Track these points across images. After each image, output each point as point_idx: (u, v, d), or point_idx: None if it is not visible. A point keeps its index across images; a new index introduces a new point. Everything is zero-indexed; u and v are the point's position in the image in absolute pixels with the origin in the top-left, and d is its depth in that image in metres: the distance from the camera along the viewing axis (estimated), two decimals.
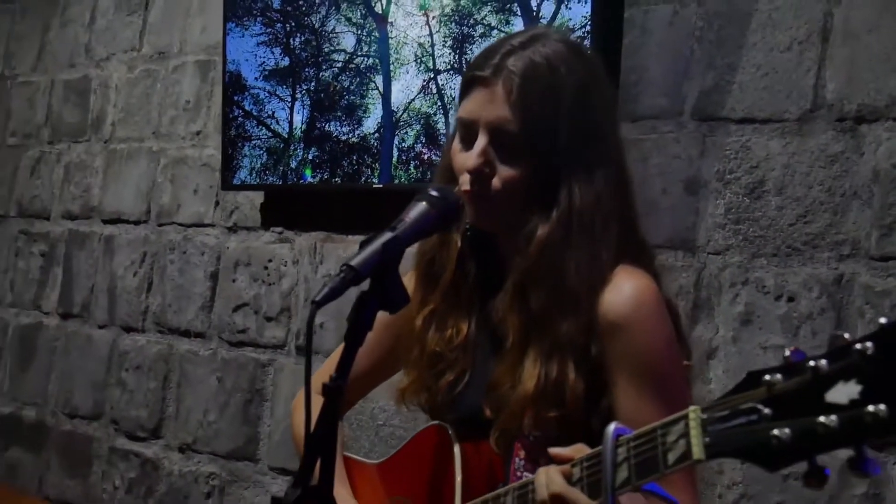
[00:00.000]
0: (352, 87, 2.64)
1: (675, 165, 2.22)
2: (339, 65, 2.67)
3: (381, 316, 1.48)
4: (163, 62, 3.46)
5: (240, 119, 2.94)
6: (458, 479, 1.22)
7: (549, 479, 1.01)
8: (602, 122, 1.29)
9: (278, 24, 2.82)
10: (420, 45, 2.47)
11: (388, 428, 2.66)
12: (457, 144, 1.29)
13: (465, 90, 1.29)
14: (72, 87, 3.83)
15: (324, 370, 1.55)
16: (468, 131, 1.27)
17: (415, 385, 1.36)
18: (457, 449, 1.26)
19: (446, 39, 2.43)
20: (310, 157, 2.76)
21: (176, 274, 3.32)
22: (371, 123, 2.60)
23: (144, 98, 3.51)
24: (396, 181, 2.53)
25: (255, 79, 2.89)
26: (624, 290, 1.22)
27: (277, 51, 2.83)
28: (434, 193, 1.21)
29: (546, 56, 1.25)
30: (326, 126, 2.70)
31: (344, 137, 2.66)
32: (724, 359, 2.11)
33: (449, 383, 1.32)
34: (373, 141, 2.59)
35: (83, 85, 3.77)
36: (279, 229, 2.99)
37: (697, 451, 0.89)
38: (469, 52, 2.37)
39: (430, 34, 2.45)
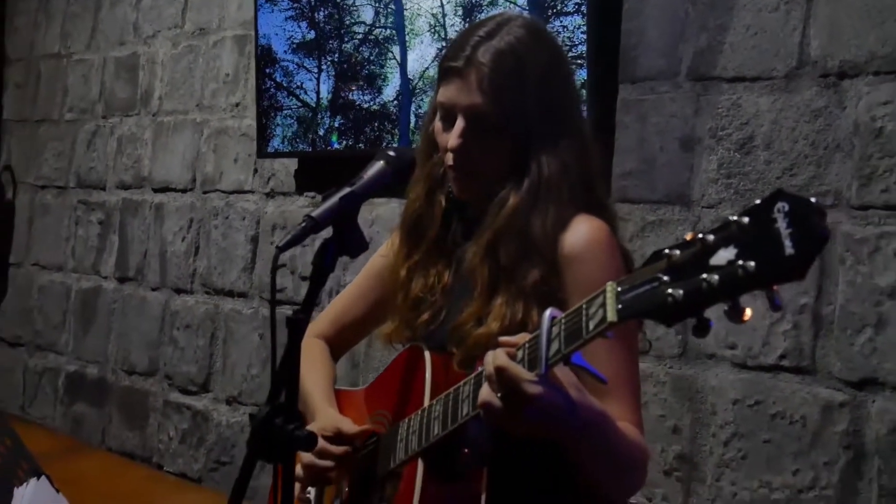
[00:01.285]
0: (371, 58, 2.79)
1: (672, 124, 2.33)
2: (360, 36, 2.83)
3: (370, 269, 1.66)
4: (203, 38, 3.65)
5: (272, 90, 3.12)
6: (428, 377, 1.38)
7: (494, 356, 1.16)
8: (564, 98, 1.43)
9: None
10: (433, 15, 2.61)
11: None
12: (438, 124, 1.45)
13: (442, 78, 1.44)
14: (122, 64, 4.05)
15: (319, 319, 1.73)
16: (447, 113, 1.43)
17: (399, 327, 1.52)
18: (427, 356, 1.42)
19: (457, 9, 2.56)
20: (336, 125, 2.92)
21: (220, 238, 3.53)
22: (390, 92, 2.75)
23: (188, 72, 3.71)
24: (414, 145, 2.68)
25: (285, 52, 3.06)
26: (579, 229, 1.38)
27: (304, 24, 2.99)
28: (391, 154, 1.38)
29: (510, 44, 1.39)
30: (350, 95, 2.87)
31: (366, 105, 2.82)
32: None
33: (426, 321, 1.48)
34: (392, 108, 2.74)
35: (132, 61, 3.99)
36: (312, 194, 3.17)
37: (611, 315, 1.05)
38: (477, 19, 2.50)
39: (442, 5, 2.59)
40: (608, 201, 1.50)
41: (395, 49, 2.73)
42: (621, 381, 1.34)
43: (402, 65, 2.69)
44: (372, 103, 2.81)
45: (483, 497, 1.31)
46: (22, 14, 4.65)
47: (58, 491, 1.55)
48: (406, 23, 2.68)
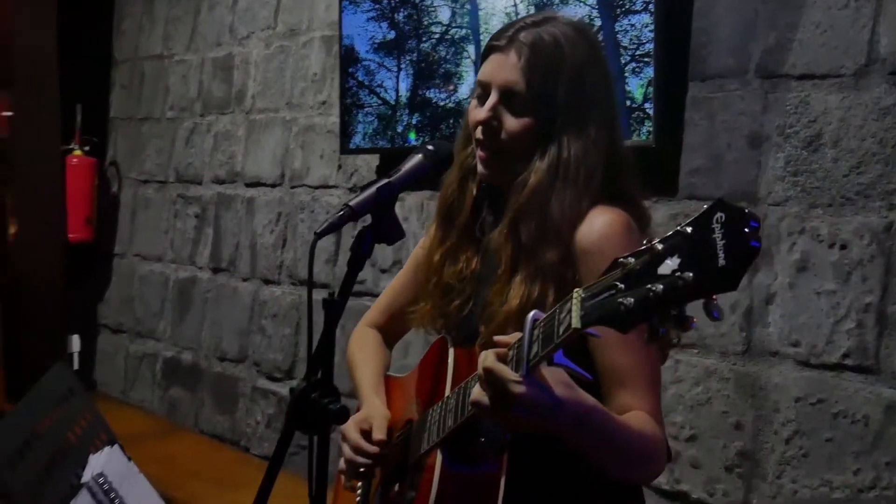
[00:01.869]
0: (448, 57, 2.87)
1: (740, 121, 2.34)
2: (437, 36, 2.91)
3: (414, 259, 1.73)
4: (294, 38, 3.79)
5: (354, 89, 3.22)
6: (450, 374, 1.45)
7: (485, 356, 1.21)
8: (596, 92, 1.46)
9: (385, 0, 3.07)
10: (507, 14, 2.67)
11: None
12: (474, 102, 1.51)
13: (484, 57, 1.50)
14: (218, 64, 4.23)
15: (372, 309, 1.81)
16: (484, 91, 1.48)
17: (431, 312, 1.58)
18: (451, 352, 1.49)
19: (529, 8, 2.62)
20: (413, 122, 3.01)
21: (305, 231, 3.66)
22: (465, 90, 2.82)
23: (279, 72, 3.85)
24: None
25: (367, 51, 3.16)
26: (594, 222, 1.41)
27: (384, 25, 3.09)
28: (430, 148, 1.44)
29: (553, 34, 1.44)
30: (427, 93, 2.95)
31: (442, 103, 2.90)
32: (781, 304, 2.23)
33: (457, 307, 1.54)
34: (466, 105, 2.80)
35: (228, 62, 4.16)
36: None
37: (575, 321, 1.08)
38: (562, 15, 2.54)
39: (515, 4, 2.65)
40: (636, 195, 1.51)
41: (471, 48, 2.80)
42: (635, 372, 1.37)
43: (477, 63, 2.75)
44: (448, 101, 2.88)
45: (502, 482, 1.36)
46: (128, 18, 4.89)
47: (129, 459, 1.66)
48: (481, 22, 2.75)
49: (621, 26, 2.40)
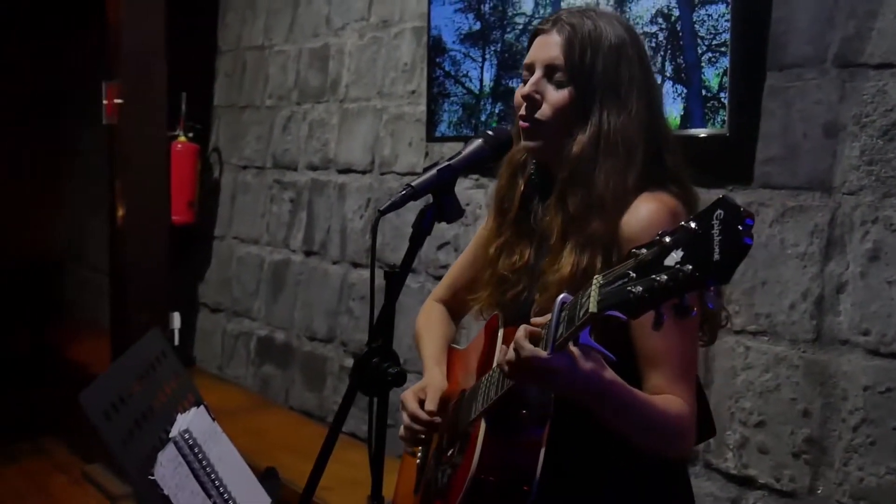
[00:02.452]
0: None
1: (816, 111, 2.34)
2: (520, 27, 2.98)
3: (477, 239, 1.82)
4: (386, 29, 3.91)
5: (441, 78, 3.32)
6: (499, 344, 1.53)
7: (516, 335, 1.32)
8: (633, 71, 1.53)
9: None
10: (587, 2, 2.72)
11: None
12: (520, 87, 1.59)
13: (530, 42, 1.59)
14: (315, 55, 4.39)
15: (439, 285, 1.91)
16: (529, 72, 1.57)
17: (488, 300, 1.67)
18: (501, 325, 1.57)
19: (609, 1, 2.66)
20: (496, 111, 3.09)
21: (393, 217, 3.74)
22: None
23: (371, 62, 3.98)
24: None
25: (453, 42, 3.25)
26: (639, 211, 1.47)
27: (471, 16, 3.17)
28: (490, 133, 1.53)
29: (591, 17, 1.54)
30: (510, 83, 3.02)
31: None
32: (852, 292, 2.23)
33: (512, 297, 1.62)
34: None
35: (324, 52, 4.32)
36: (476, 177, 3.35)
37: (593, 307, 1.17)
38: (628, 10, 2.59)
39: None
40: (682, 174, 1.57)
41: None
42: (668, 357, 1.45)
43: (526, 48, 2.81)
44: (520, 79, 2.95)
45: (542, 452, 1.44)
46: (231, 10, 5.10)
47: (213, 419, 1.80)
48: None
49: (698, 16, 2.43)
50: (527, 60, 1.58)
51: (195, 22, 5.18)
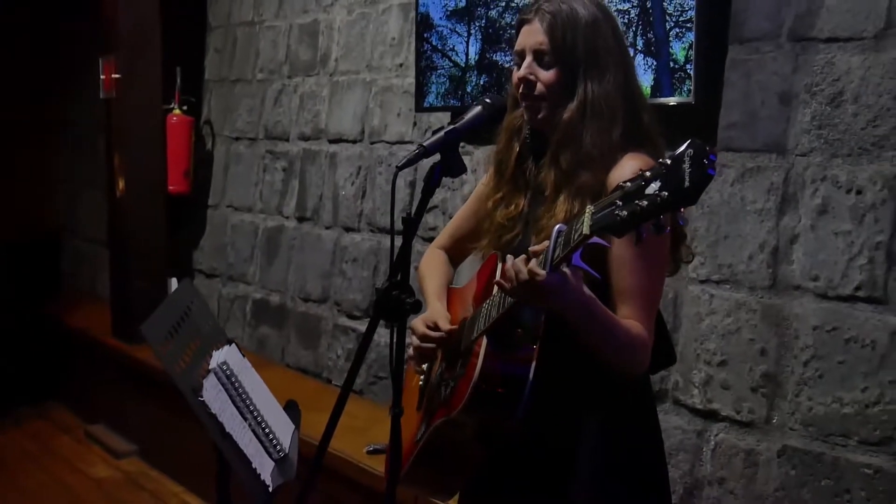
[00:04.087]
0: (512, 23, 3.17)
1: (772, 81, 2.60)
2: (503, 4, 3.21)
3: (476, 193, 2.08)
4: (374, 6, 4.12)
5: (429, 52, 3.55)
6: (498, 275, 1.79)
7: (514, 261, 1.60)
8: (609, 43, 1.79)
9: None
10: None
11: None
12: (514, 70, 1.84)
13: (517, 31, 1.84)
14: (305, 30, 4.59)
15: (441, 234, 2.17)
16: (520, 58, 1.82)
17: (488, 246, 1.94)
18: (499, 265, 1.83)
19: None
20: (481, 83, 3.33)
21: (383, 183, 4.02)
22: None
23: (360, 37, 4.20)
24: None
25: (440, 18, 3.48)
26: (625, 169, 1.73)
27: None
28: (487, 101, 1.79)
29: (568, 3, 1.79)
30: (493, 56, 3.26)
31: (507, 66, 3.21)
32: (804, 243, 2.50)
33: (508, 241, 1.89)
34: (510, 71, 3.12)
35: (313, 28, 4.52)
36: (462, 144, 3.59)
37: (586, 229, 1.46)
38: None
39: None
40: (654, 129, 1.84)
41: None
42: (634, 292, 1.72)
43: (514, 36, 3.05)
44: (512, 63, 3.19)
45: (533, 365, 1.71)
46: None
47: (243, 356, 2.04)
48: None
49: None
50: (516, 48, 1.84)
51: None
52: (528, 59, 1.80)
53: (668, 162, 1.35)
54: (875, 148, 2.38)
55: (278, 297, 4.67)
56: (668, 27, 2.68)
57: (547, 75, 1.78)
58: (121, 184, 5.00)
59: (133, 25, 4.89)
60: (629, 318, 1.72)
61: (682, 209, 1.35)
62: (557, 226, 1.55)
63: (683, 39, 2.65)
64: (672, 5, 2.66)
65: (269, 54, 4.87)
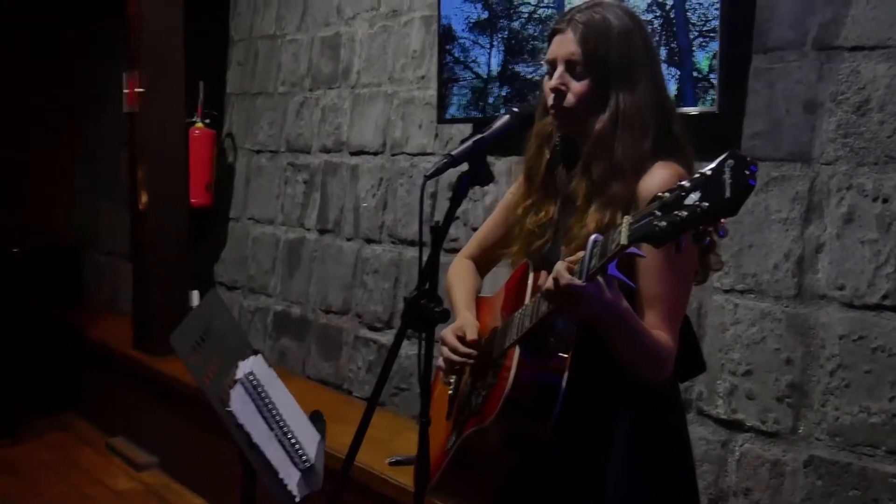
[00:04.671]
0: (535, 34, 3.19)
1: (797, 89, 2.59)
2: (526, 15, 3.22)
3: (504, 203, 2.08)
4: (395, 18, 4.14)
5: (451, 64, 3.56)
6: (529, 290, 1.79)
7: (553, 270, 1.59)
8: (641, 55, 1.79)
9: None
10: None
11: None
12: (546, 79, 1.85)
13: (549, 41, 1.84)
14: (327, 43, 4.62)
15: (468, 244, 2.17)
16: (552, 67, 1.82)
17: (518, 252, 1.94)
18: (531, 269, 1.83)
19: None
20: (503, 94, 3.34)
21: (404, 195, 4.03)
22: None
23: (381, 49, 4.22)
24: None
25: (462, 30, 3.50)
26: (655, 178, 1.73)
27: (479, 6, 3.42)
28: (515, 109, 1.80)
29: (601, 13, 1.79)
30: (516, 67, 3.27)
31: (529, 76, 3.22)
32: (829, 252, 2.49)
33: (538, 247, 1.89)
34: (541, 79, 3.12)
35: (335, 41, 4.55)
36: None
37: (623, 239, 1.45)
38: (626, 0, 2.84)
39: None
40: (685, 139, 1.84)
41: None
42: (661, 299, 1.72)
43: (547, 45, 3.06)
44: (535, 74, 3.20)
45: (565, 374, 1.71)
46: (243, 1, 5.32)
47: (270, 366, 2.05)
48: (565, 2, 3.05)
49: (690, 5, 2.68)
50: (548, 57, 1.84)
51: (209, 13, 5.40)
52: (560, 69, 1.80)
53: (708, 173, 1.35)
54: None
55: (299, 308, 4.68)
56: (691, 37, 2.68)
57: (578, 86, 1.79)
58: (143, 197, 5.03)
59: (156, 40, 4.93)
60: (654, 326, 1.71)
61: (722, 220, 1.34)
62: (593, 236, 1.55)
63: (707, 49, 2.65)
64: (696, 15, 2.67)
65: (290, 67, 4.89)
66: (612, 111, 1.76)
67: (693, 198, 1.35)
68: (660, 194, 1.42)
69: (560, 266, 1.58)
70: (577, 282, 1.54)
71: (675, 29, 2.73)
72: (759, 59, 2.69)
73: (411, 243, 3.98)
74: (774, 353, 2.59)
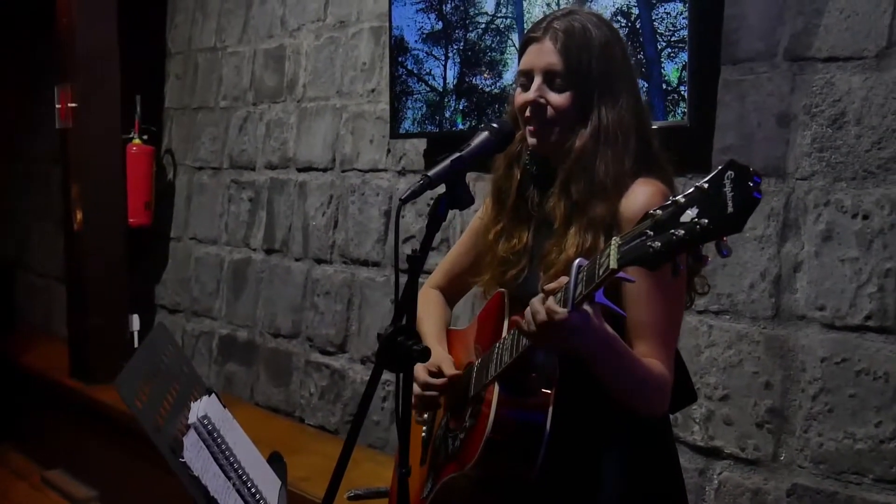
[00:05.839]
0: (493, 45, 3.06)
1: (769, 102, 2.50)
2: (483, 26, 3.09)
3: (472, 228, 1.94)
4: (343, 30, 3.99)
5: (404, 77, 3.42)
6: (506, 322, 1.65)
7: (533, 301, 1.46)
8: (621, 67, 1.67)
9: None
10: (548, 4, 2.85)
11: None
12: (518, 91, 1.71)
13: (523, 50, 1.71)
14: (270, 55, 4.44)
15: (435, 272, 2.02)
16: (527, 78, 1.68)
17: (490, 282, 1.79)
18: (507, 300, 1.70)
19: (569, 0, 2.80)
20: (460, 108, 3.20)
21: (356, 213, 3.87)
22: (509, 76, 3.01)
23: (329, 62, 4.06)
24: None
25: (416, 41, 3.35)
26: (638, 196, 1.61)
27: (433, 16, 3.28)
28: (494, 126, 1.65)
29: (580, 21, 1.67)
30: (473, 80, 3.14)
31: (488, 89, 3.09)
32: (808, 271, 2.40)
33: (513, 277, 1.75)
34: (511, 91, 2.99)
35: (279, 53, 4.37)
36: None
37: (613, 263, 1.32)
38: (589, 8, 2.72)
39: None
40: (665, 159, 1.72)
41: (515, 36, 2.98)
42: (653, 326, 1.59)
43: (520, 53, 2.93)
44: (493, 87, 3.07)
45: (550, 410, 1.57)
46: (181, 11, 5.12)
47: (224, 406, 1.88)
48: (524, 12, 2.93)
49: (657, 14, 2.57)
50: (523, 67, 1.70)
51: (147, 24, 5.18)
52: (538, 80, 1.67)
53: (705, 186, 1.21)
54: (881, 171, 2.28)
55: (246, 332, 4.49)
56: (659, 48, 2.57)
57: (559, 99, 1.65)
58: (78, 216, 4.79)
59: (90, 53, 4.71)
60: (647, 356, 1.58)
61: (724, 238, 1.20)
62: (577, 260, 1.41)
63: (676, 60, 2.54)
64: (663, 25, 2.56)
65: (232, 81, 4.70)
66: (594, 126, 1.63)
67: (690, 214, 1.21)
68: (651, 212, 1.28)
69: (536, 302, 1.44)
70: (559, 310, 1.41)
71: (641, 39, 2.62)
72: (729, 71, 2.59)
73: (364, 263, 3.81)
74: (752, 377, 2.49)
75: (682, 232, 1.22)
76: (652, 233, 1.27)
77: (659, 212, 1.27)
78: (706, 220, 1.20)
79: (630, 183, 1.62)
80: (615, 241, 1.33)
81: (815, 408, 2.36)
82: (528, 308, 1.45)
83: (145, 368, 1.75)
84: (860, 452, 2.27)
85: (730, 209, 1.18)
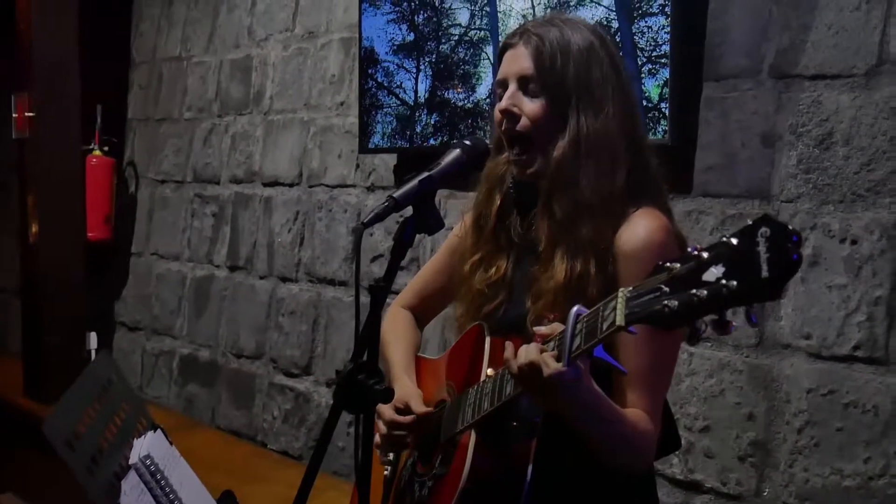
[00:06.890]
0: (466, 58, 2.94)
1: (753, 121, 2.40)
2: (456, 38, 2.97)
3: (447, 246, 1.81)
4: (312, 41, 3.86)
5: (373, 90, 3.29)
6: (486, 360, 1.52)
7: (526, 350, 1.31)
8: (607, 74, 1.53)
9: (405, 3, 3.14)
10: (524, 16, 2.74)
11: None
12: (497, 104, 1.58)
13: (499, 59, 1.58)
14: (237, 66, 4.30)
15: (405, 291, 1.88)
16: (503, 88, 1.56)
17: (466, 316, 1.66)
18: (487, 340, 1.56)
19: (546, 10, 2.68)
20: (432, 122, 3.08)
21: (323, 230, 3.73)
22: (483, 90, 2.89)
23: (297, 73, 3.92)
24: None
25: (386, 53, 3.23)
26: (638, 229, 1.47)
27: (404, 27, 3.16)
28: (467, 143, 1.52)
29: (558, 26, 1.54)
30: (445, 94, 3.02)
31: (460, 103, 2.97)
32: (793, 297, 2.29)
33: (490, 311, 1.61)
34: (485, 106, 2.88)
35: (246, 63, 4.23)
36: None
37: (620, 319, 1.17)
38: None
39: (533, 6, 2.71)
40: (660, 181, 1.59)
41: (489, 49, 2.87)
42: (642, 375, 1.45)
43: (495, 65, 2.81)
44: (466, 101, 2.95)
45: (530, 468, 1.43)
46: (146, 20, 4.97)
47: (171, 443, 1.73)
48: (499, 24, 2.82)
49: (638, 28, 2.46)
50: (499, 76, 1.58)
51: (109, 32, 5.02)
52: (512, 87, 1.54)
53: (734, 242, 1.05)
54: (870, 194, 2.18)
55: (208, 352, 4.32)
56: (640, 63, 2.46)
57: (532, 107, 1.52)
58: (34, 229, 4.60)
59: (49, 60, 4.53)
60: (633, 405, 1.45)
61: (753, 305, 1.05)
62: (576, 308, 1.26)
63: (657, 76, 2.43)
64: (644, 39, 2.45)
65: (197, 91, 4.56)
66: (573, 135, 1.50)
67: (714, 273, 1.06)
68: (668, 265, 1.12)
69: (533, 350, 1.30)
70: (555, 364, 1.28)
71: (621, 54, 2.50)
72: (711, 88, 2.49)
73: (331, 282, 3.67)
74: (735, 408, 2.37)
75: (706, 293, 1.06)
76: (668, 289, 1.11)
77: (677, 265, 1.11)
78: (734, 283, 1.04)
79: (629, 211, 1.49)
80: (623, 293, 1.19)
81: (801, 441, 2.25)
82: (520, 351, 1.31)
83: (81, 404, 1.60)
84: (848, 490, 2.16)
85: (764, 272, 1.02)
